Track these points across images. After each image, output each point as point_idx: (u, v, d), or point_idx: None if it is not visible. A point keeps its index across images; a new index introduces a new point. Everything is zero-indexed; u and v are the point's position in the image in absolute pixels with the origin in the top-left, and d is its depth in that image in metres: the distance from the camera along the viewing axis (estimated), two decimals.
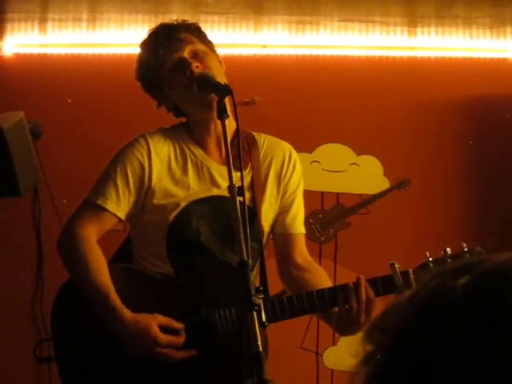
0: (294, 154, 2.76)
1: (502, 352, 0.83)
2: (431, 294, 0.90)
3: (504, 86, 4.31)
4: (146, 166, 2.61)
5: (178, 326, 2.51)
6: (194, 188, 2.63)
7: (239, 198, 2.19)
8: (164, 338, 2.48)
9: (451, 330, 0.86)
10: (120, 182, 2.60)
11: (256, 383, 1.92)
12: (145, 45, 2.68)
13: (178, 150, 2.66)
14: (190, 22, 2.69)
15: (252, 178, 2.66)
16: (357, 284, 2.51)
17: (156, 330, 2.47)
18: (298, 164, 2.75)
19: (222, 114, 2.31)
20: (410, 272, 2.52)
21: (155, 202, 2.61)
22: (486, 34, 4.15)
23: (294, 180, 2.74)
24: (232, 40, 4.17)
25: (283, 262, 2.75)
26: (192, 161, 2.65)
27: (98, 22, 3.97)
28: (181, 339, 2.50)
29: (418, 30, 4.09)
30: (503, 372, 0.83)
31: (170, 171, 2.64)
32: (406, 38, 4.21)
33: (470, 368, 0.84)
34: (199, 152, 2.66)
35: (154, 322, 2.48)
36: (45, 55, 4.24)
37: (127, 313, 2.47)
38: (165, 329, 2.50)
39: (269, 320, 2.33)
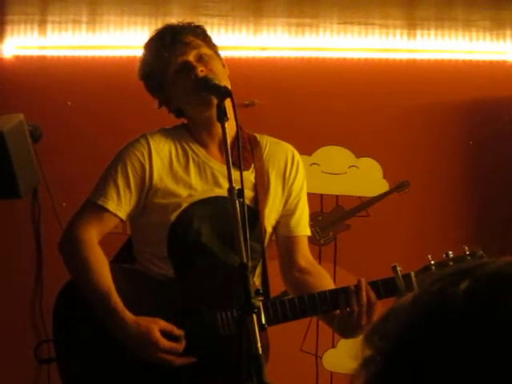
0: (297, 156, 2.76)
1: (505, 358, 0.83)
2: (432, 300, 0.89)
3: (503, 88, 4.31)
4: (147, 165, 2.61)
5: (179, 332, 2.50)
6: (196, 188, 2.62)
7: (240, 200, 2.19)
8: (165, 343, 2.47)
9: (454, 336, 0.85)
10: (121, 182, 2.59)
11: None
12: (150, 45, 2.66)
13: (179, 149, 2.65)
14: (196, 24, 2.69)
15: (255, 178, 2.66)
16: (358, 287, 2.51)
17: (157, 334, 2.46)
18: (301, 165, 2.75)
19: (222, 117, 2.31)
20: (412, 275, 2.51)
21: (156, 201, 2.60)
22: (485, 37, 4.15)
23: (298, 181, 2.73)
24: (231, 42, 4.16)
25: (286, 265, 2.75)
26: (194, 160, 2.64)
27: (98, 25, 3.97)
28: (181, 346, 2.49)
29: (418, 32, 4.09)
30: (505, 377, 0.83)
31: (172, 170, 2.63)
32: (405, 40, 4.21)
33: (472, 373, 0.84)
34: (201, 152, 2.65)
35: (155, 326, 2.47)
36: (44, 57, 4.23)
37: (128, 315, 2.47)
38: (165, 334, 2.49)
39: (270, 322, 2.33)
